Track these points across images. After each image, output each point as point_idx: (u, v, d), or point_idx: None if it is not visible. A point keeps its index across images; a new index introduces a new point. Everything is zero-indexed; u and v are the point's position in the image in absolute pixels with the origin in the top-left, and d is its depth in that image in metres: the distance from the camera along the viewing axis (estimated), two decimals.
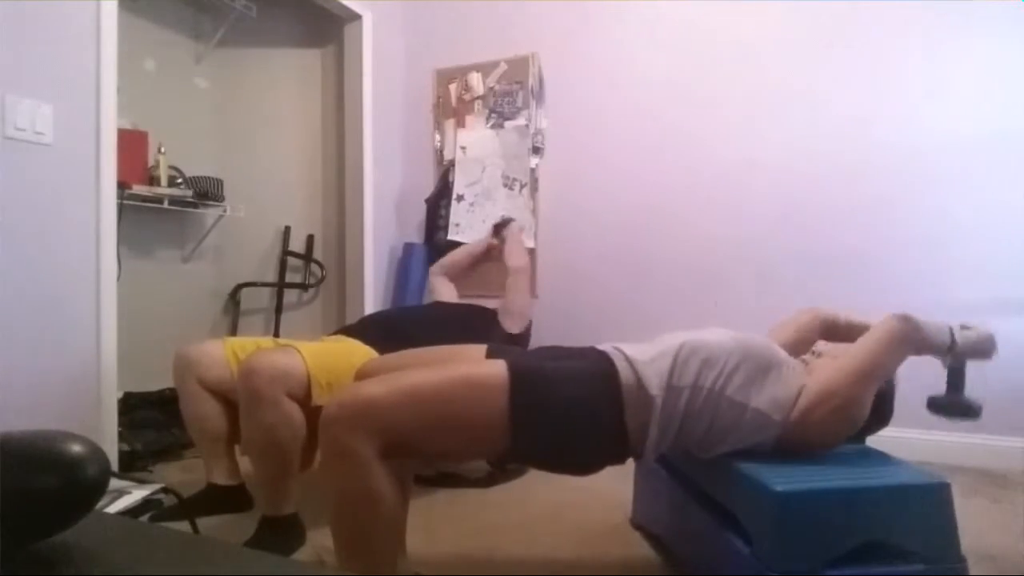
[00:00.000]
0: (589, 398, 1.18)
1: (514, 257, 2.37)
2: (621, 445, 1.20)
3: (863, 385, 1.20)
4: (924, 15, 2.39)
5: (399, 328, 1.94)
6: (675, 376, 1.19)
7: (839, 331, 1.53)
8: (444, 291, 2.42)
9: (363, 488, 1.08)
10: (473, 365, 1.27)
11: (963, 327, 1.30)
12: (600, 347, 1.30)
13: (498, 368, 1.18)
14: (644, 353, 1.24)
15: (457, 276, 2.51)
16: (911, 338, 1.23)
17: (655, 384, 1.18)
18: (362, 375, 1.47)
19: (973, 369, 1.31)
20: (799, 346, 1.50)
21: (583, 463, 1.24)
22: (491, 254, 2.53)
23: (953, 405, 1.34)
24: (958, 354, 1.28)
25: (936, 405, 1.35)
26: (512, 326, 2.19)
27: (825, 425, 1.20)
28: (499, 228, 2.54)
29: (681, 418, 1.19)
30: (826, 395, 1.19)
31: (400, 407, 1.11)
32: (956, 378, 1.32)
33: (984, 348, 1.29)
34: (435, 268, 2.53)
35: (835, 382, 1.20)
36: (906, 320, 1.23)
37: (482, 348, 1.47)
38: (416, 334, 1.76)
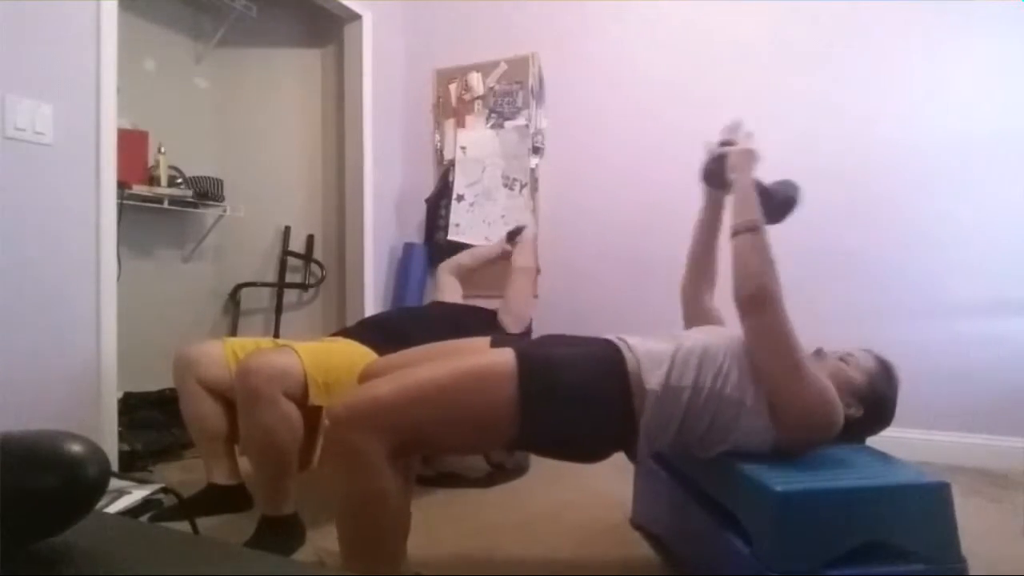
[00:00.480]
0: (596, 382, 1.18)
1: (521, 257, 2.35)
2: (629, 429, 1.19)
3: (786, 360, 1.15)
4: (924, 15, 2.39)
5: (398, 329, 1.93)
6: (673, 376, 1.19)
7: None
8: (450, 289, 2.39)
9: (372, 489, 1.08)
10: (479, 355, 1.26)
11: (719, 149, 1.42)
12: (603, 337, 1.30)
13: (505, 356, 1.18)
14: (643, 344, 1.24)
15: (465, 276, 2.49)
16: (772, 296, 1.19)
17: (652, 379, 1.18)
18: (366, 376, 1.47)
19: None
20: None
21: (591, 449, 1.24)
22: (502, 257, 2.52)
23: (780, 204, 1.39)
24: (765, 195, 1.32)
25: (772, 214, 1.35)
26: (512, 325, 2.18)
27: (791, 412, 1.16)
28: (513, 235, 2.50)
29: (681, 417, 1.19)
30: (770, 388, 1.16)
31: (407, 404, 1.11)
32: (763, 195, 1.33)
33: (751, 161, 1.35)
34: (445, 266, 2.49)
35: (765, 376, 1.17)
36: (764, 296, 1.19)
37: (486, 340, 1.47)
38: (415, 334, 1.75)
